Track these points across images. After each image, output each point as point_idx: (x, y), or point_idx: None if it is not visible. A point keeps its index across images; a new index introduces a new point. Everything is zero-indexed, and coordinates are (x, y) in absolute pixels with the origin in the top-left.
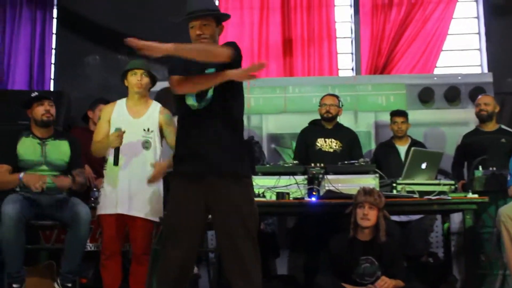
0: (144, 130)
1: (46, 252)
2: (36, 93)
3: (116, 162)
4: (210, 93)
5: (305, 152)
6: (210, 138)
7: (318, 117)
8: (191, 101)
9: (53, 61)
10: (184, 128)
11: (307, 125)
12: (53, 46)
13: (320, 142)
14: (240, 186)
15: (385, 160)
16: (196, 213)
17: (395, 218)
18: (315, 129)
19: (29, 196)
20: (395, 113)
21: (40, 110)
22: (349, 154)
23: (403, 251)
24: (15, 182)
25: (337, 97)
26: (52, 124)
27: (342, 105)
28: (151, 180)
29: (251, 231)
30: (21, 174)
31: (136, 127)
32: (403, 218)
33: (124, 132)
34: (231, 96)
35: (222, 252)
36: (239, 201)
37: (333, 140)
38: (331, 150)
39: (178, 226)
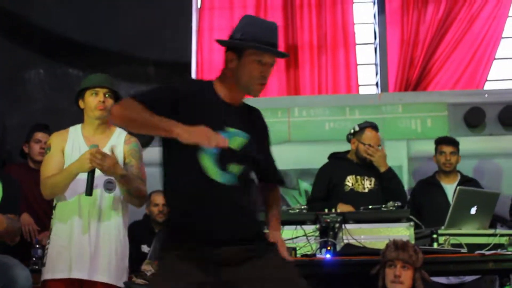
0: None
1: None
2: None
3: (89, 191)
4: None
5: (327, 192)
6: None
7: (334, 147)
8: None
9: None
10: None
11: (327, 160)
12: None
13: (350, 180)
14: None
15: (426, 203)
16: None
17: (441, 280)
18: (342, 164)
19: None
20: (442, 141)
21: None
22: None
23: None
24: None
25: (377, 129)
26: None
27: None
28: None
29: None
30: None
31: None
32: (452, 280)
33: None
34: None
35: None
36: None
37: (366, 177)
38: (366, 190)
39: None
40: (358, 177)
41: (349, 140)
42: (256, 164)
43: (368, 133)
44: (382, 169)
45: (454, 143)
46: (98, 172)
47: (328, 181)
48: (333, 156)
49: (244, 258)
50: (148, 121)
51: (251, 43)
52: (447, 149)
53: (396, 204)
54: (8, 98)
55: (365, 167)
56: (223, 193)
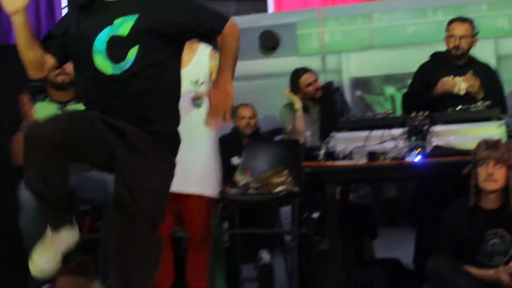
0: (192, 82)
1: (78, 244)
2: None
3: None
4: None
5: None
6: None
7: (417, 51)
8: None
9: (63, 3)
10: None
11: (428, 58)
12: None
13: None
14: None
15: None
16: None
17: None
18: (441, 64)
19: None
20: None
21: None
22: (487, 96)
23: None
24: None
25: (471, 22)
26: (71, 85)
27: (476, 33)
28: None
29: None
30: None
31: (183, 79)
32: None
33: None
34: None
35: None
36: None
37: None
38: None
39: None
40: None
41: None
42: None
43: (454, 26)
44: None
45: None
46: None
47: (426, 79)
48: (434, 56)
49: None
50: None
51: None
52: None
53: (486, 104)
54: None
55: (466, 68)
56: (114, 85)
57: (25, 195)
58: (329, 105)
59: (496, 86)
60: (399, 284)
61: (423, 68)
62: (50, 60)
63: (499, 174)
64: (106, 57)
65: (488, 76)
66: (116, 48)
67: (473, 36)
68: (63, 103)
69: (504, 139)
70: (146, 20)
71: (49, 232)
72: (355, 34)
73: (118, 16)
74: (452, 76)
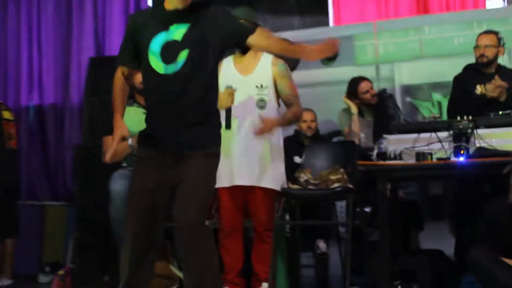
0: (257, 87)
1: (160, 231)
2: None
3: (228, 125)
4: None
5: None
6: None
7: (463, 61)
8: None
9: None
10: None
11: (460, 71)
12: (149, 3)
13: (479, 89)
14: None
15: None
16: None
17: None
18: (473, 73)
19: None
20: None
21: (139, 77)
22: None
23: None
24: (126, 150)
25: (495, 34)
26: None
27: (503, 44)
28: (257, 132)
29: None
30: (130, 141)
31: (247, 84)
32: None
33: (235, 90)
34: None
35: None
36: None
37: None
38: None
39: None
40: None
41: None
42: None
43: (480, 37)
44: (502, 99)
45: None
46: (245, 96)
47: (463, 88)
48: (466, 67)
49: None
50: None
51: None
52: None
53: None
54: None
55: (494, 76)
56: (166, 84)
57: (115, 187)
58: (382, 110)
59: None
60: (441, 273)
61: (458, 78)
62: (125, 71)
63: None
64: (160, 58)
65: None
66: (169, 51)
67: (498, 46)
68: None
69: None
70: (196, 30)
71: None
72: (406, 45)
73: (173, 24)
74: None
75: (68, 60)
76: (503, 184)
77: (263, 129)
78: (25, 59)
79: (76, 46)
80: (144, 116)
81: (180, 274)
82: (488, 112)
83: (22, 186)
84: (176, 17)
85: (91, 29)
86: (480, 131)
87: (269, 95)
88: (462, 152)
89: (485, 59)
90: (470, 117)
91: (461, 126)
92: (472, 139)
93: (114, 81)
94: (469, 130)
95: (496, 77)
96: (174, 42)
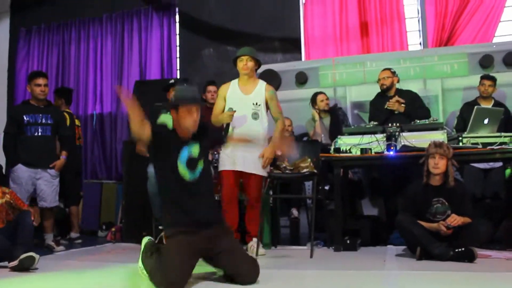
0: (253, 104)
1: None
2: (172, 80)
3: (225, 138)
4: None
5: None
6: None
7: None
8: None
9: (178, 55)
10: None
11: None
12: (177, 43)
13: (386, 105)
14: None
15: (469, 117)
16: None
17: (479, 165)
18: (380, 97)
19: None
20: (485, 77)
21: None
22: (415, 109)
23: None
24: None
25: (389, 69)
26: None
27: (396, 74)
28: (264, 166)
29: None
30: None
31: (247, 102)
32: (486, 165)
33: (235, 112)
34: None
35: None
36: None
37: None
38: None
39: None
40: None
41: None
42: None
43: (380, 73)
44: (401, 110)
45: (492, 79)
46: (244, 110)
47: (377, 108)
48: (378, 94)
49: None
50: None
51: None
52: (487, 82)
53: (435, 119)
54: (192, 67)
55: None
56: (192, 187)
57: (150, 170)
58: (335, 118)
59: (418, 100)
60: (377, 231)
61: (374, 102)
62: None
63: (441, 164)
64: (186, 168)
65: (412, 97)
66: (191, 162)
67: (393, 76)
68: None
69: (446, 141)
70: (203, 146)
71: None
72: (355, 74)
73: (189, 142)
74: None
75: (120, 82)
76: (419, 170)
77: (266, 160)
78: (91, 81)
79: (126, 73)
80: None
81: None
82: (392, 121)
83: (87, 169)
84: (188, 139)
85: (137, 60)
86: (405, 133)
87: (261, 111)
88: (392, 148)
89: (384, 87)
90: (397, 124)
91: (391, 130)
92: (399, 139)
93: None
94: (397, 133)
95: (395, 96)
96: (194, 156)
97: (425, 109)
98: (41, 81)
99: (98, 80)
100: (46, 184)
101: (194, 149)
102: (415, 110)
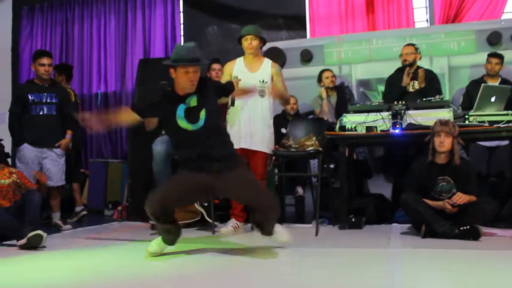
0: (260, 81)
1: None
2: None
3: (232, 104)
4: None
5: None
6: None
7: (399, 63)
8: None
9: (181, 33)
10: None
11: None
12: (181, 21)
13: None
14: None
15: (475, 95)
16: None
17: (485, 143)
18: (400, 73)
19: None
20: (492, 55)
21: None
22: (431, 90)
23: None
24: (155, 122)
25: (413, 45)
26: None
27: (419, 51)
28: (273, 93)
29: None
30: None
31: (253, 79)
32: (493, 143)
33: (240, 80)
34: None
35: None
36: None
37: (416, 82)
38: (413, 90)
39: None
40: (411, 82)
41: None
42: (213, 99)
43: (403, 48)
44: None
45: (500, 57)
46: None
47: (393, 83)
48: (398, 69)
49: (221, 170)
50: None
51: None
52: (494, 60)
53: (441, 97)
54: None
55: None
56: (197, 136)
57: (156, 148)
58: (342, 96)
59: (437, 82)
60: (382, 210)
61: (391, 76)
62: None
63: (447, 142)
64: (185, 120)
65: (431, 78)
66: (191, 114)
67: (416, 53)
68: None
69: (452, 119)
70: (203, 96)
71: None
72: (360, 52)
73: (187, 97)
74: (410, 80)
75: (124, 60)
76: (424, 148)
77: (275, 91)
78: (95, 60)
79: (130, 51)
80: None
81: (201, 209)
82: (408, 99)
83: (92, 148)
84: (188, 95)
85: (141, 39)
86: (410, 112)
87: (267, 88)
88: (397, 126)
89: (407, 62)
90: (403, 102)
91: (397, 108)
92: (404, 117)
93: (123, 113)
94: (402, 111)
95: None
96: (193, 106)
97: (440, 93)
98: (45, 60)
99: (102, 59)
100: (52, 163)
101: (192, 101)
102: (431, 92)
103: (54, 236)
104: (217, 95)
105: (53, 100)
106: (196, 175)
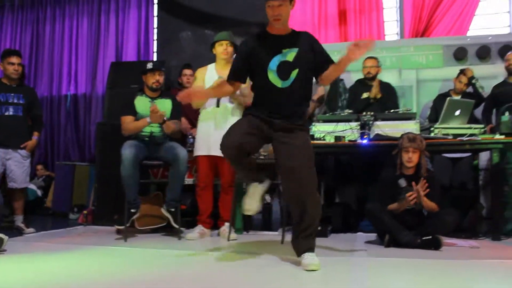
0: None
1: (155, 185)
2: (151, 64)
3: (217, 105)
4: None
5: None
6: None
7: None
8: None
9: (155, 37)
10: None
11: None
12: (155, 25)
13: (364, 95)
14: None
15: (441, 108)
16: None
17: (449, 155)
18: (361, 85)
19: (143, 140)
20: (462, 71)
21: (152, 79)
22: (387, 102)
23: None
24: (144, 124)
25: (375, 58)
26: (159, 89)
27: (381, 65)
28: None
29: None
30: (148, 119)
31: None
32: (455, 155)
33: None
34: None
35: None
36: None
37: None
38: (372, 100)
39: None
40: (368, 92)
41: None
42: (311, 61)
43: (365, 61)
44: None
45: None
46: None
47: (352, 93)
48: (358, 81)
49: (284, 129)
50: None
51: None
52: (464, 79)
53: (408, 109)
54: (170, 50)
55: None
56: (282, 94)
57: (125, 152)
58: (333, 89)
59: (394, 95)
60: (348, 218)
61: (351, 87)
62: (238, 84)
63: (415, 157)
64: (277, 75)
65: (388, 91)
66: (284, 69)
67: (378, 66)
68: (152, 98)
69: (418, 131)
70: (303, 53)
71: (252, 186)
72: None
73: (284, 48)
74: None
75: (96, 63)
76: (392, 160)
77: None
78: (66, 61)
79: (102, 54)
80: (149, 104)
81: (168, 215)
82: (369, 110)
83: (60, 151)
84: (287, 42)
85: (113, 42)
86: (378, 122)
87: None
88: (365, 136)
89: (371, 75)
90: (372, 113)
91: (365, 119)
92: (372, 128)
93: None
94: (371, 122)
95: (374, 85)
96: (287, 62)
97: (396, 106)
98: (14, 59)
99: (73, 60)
100: (17, 165)
101: (290, 55)
102: (388, 104)
103: (16, 240)
104: (316, 64)
105: (20, 101)
106: (256, 120)
